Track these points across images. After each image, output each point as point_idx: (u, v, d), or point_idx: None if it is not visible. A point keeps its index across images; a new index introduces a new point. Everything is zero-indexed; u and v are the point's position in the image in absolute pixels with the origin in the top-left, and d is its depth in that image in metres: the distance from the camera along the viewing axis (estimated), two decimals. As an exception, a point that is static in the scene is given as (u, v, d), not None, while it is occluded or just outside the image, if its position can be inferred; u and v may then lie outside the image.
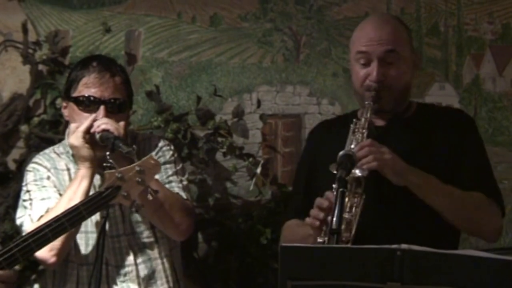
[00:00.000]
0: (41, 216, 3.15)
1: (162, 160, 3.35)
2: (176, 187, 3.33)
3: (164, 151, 3.38)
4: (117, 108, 3.24)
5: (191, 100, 4.24)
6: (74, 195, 3.13)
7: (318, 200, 2.94)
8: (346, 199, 2.83)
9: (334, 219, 2.67)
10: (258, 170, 4.14)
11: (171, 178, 3.35)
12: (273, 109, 4.34)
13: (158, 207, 3.20)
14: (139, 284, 3.32)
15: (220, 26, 4.36)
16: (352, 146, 2.97)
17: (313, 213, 2.92)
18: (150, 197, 2.96)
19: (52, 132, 4.05)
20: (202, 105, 4.19)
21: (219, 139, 4.15)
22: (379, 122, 3.13)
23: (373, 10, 4.39)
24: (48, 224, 2.71)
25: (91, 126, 3.17)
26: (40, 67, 4.15)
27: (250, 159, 4.15)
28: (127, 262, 3.32)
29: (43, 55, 4.13)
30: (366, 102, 3.05)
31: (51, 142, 3.91)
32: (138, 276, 3.32)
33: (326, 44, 4.39)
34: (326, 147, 3.18)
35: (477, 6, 4.41)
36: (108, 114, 3.20)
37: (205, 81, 4.30)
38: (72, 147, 3.19)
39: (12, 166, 4.08)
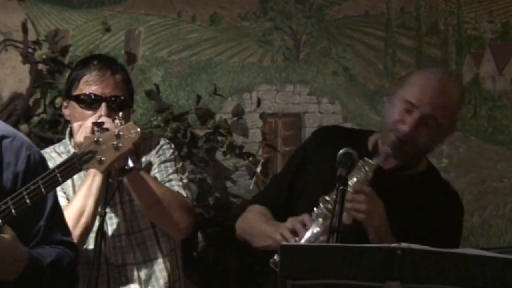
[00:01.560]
0: None
1: (162, 158, 3.36)
2: (176, 186, 3.33)
3: (164, 150, 3.38)
4: (118, 105, 3.24)
5: (191, 99, 4.24)
6: (89, 192, 3.15)
7: (294, 221, 2.95)
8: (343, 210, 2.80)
9: (334, 217, 2.68)
10: (258, 169, 4.14)
11: (171, 177, 3.35)
12: (273, 108, 4.34)
13: (155, 202, 3.20)
14: (140, 283, 3.32)
15: (220, 25, 4.35)
16: (352, 182, 2.97)
17: (286, 235, 2.95)
18: (131, 163, 2.92)
19: (51, 132, 4.05)
20: (202, 104, 4.19)
21: (219, 138, 4.15)
22: (385, 163, 3.11)
23: (373, 9, 4.38)
24: (26, 188, 2.59)
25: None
26: (40, 66, 4.14)
27: (250, 158, 4.15)
28: (128, 262, 3.32)
29: (43, 55, 4.12)
30: (386, 147, 3.05)
31: (50, 142, 3.92)
32: (139, 275, 3.32)
33: (326, 43, 4.39)
34: (325, 152, 3.18)
35: (477, 5, 4.41)
36: (109, 111, 3.20)
37: (205, 80, 4.30)
38: (80, 144, 3.17)
39: (12, 165, 4.07)
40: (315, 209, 2.96)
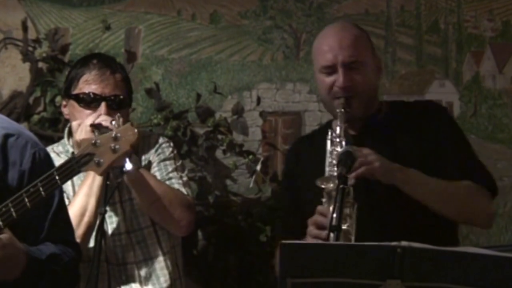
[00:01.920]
0: None
1: (162, 156, 3.36)
2: (176, 183, 3.34)
3: (163, 148, 3.38)
4: (117, 104, 3.24)
5: (191, 98, 4.24)
6: (91, 191, 3.15)
7: (314, 218, 2.92)
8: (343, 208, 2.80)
9: (334, 216, 2.68)
10: (258, 168, 4.14)
11: (171, 175, 3.35)
12: (273, 107, 4.34)
13: (155, 199, 3.20)
14: (140, 282, 3.32)
15: (220, 23, 4.35)
16: (333, 157, 2.96)
17: (313, 233, 2.91)
18: (128, 165, 2.93)
19: (51, 130, 4.05)
20: (202, 103, 4.19)
21: (219, 137, 4.15)
22: (352, 132, 3.11)
23: (373, 8, 4.38)
24: (25, 190, 2.60)
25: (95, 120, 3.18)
26: (40, 64, 4.14)
27: (250, 157, 4.15)
28: (128, 260, 3.32)
29: (43, 53, 4.12)
30: (338, 110, 3.03)
31: (50, 140, 3.92)
32: (139, 274, 3.32)
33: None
34: (307, 163, 3.18)
35: (477, 4, 4.41)
36: (109, 111, 3.20)
37: (205, 78, 4.30)
38: (80, 143, 3.17)
39: (11, 163, 4.07)
40: (323, 198, 2.94)
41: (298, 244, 2.45)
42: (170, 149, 3.41)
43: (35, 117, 4.08)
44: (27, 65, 4.15)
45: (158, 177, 3.31)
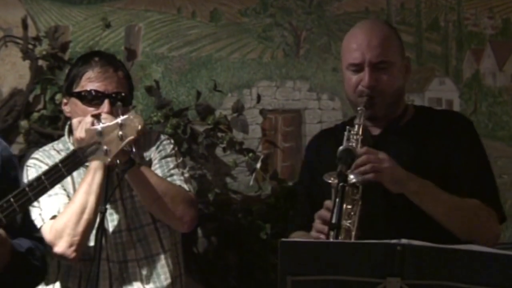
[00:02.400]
0: (54, 216, 3.17)
1: (163, 153, 3.36)
2: (178, 180, 3.34)
3: (164, 145, 3.38)
4: (120, 101, 3.24)
5: (191, 95, 4.24)
6: (90, 188, 3.14)
7: (320, 213, 2.92)
8: (344, 206, 2.79)
9: (334, 213, 2.67)
10: (258, 165, 4.14)
11: (172, 171, 3.35)
12: (273, 104, 4.34)
13: (157, 197, 3.20)
14: (141, 280, 3.32)
15: (220, 21, 4.35)
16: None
17: (318, 228, 2.90)
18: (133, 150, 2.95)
19: (51, 128, 4.05)
20: (202, 100, 4.19)
21: (219, 134, 4.15)
22: (375, 131, 3.10)
23: (373, 5, 4.38)
24: (29, 184, 2.66)
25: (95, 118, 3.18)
26: (40, 62, 4.14)
27: (250, 154, 4.15)
28: (129, 258, 3.32)
29: (43, 51, 4.12)
30: (359, 108, 3.01)
31: (50, 138, 3.92)
32: (140, 272, 3.32)
33: (326, 39, 4.38)
34: (325, 157, 3.16)
35: (477, 1, 4.41)
36: (112, 107, 3.21)
37: (205, 76, 4.30)
38: (80, 140, 3.17)
39: (11, 161, 4.08)
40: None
41: (298, 242, 2.45)
42: (171, 146, 3.41)
43: (35, 115, 4.08)
44: (27, 63, 4.15)
45: (160, 174, 3.31)
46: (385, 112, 3.09)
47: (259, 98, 4.27)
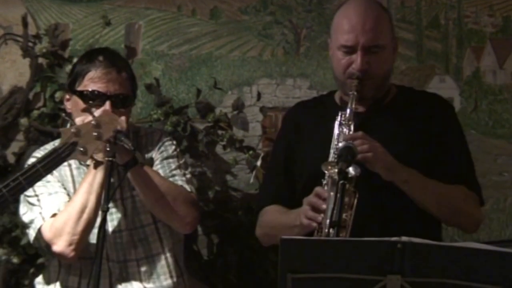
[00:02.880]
0: (54, 214, 3.17)
1: (165, 154, 3.35)
2: (180, 180, 3.33)
3: (166, 146, 3.38)
4: (121, 103, 3.24)
5: (191, 93, 4.24)
6: (91, 188, 3.14)
7: (310, 199, 2.92)
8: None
9: (335, 211, 2.67)
10: (258, 163, 4.13)
11: (174, 172, 3.35)
12: (273, 102, 4.33)
13: (160, 196, 3.20)
14: (141, 280, 3.32)
15: (220, 19, 4.35)
16: (340, 140, 2.96)
17: (309, 215, 2.90)
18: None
19: (51, 126, 4.05)
20: (202, 98, 4.19)
21: (219, 132, 4.14)
22: (359, 109, 3.09)
23: (373, 3, 4.37)
24: (5, 185, 2.67)
25: None
26: (40, 60, 4.14)
27: (250, 152, 4.15)
28: (129, 258, 3.31)
29: (43, 48, 4.12)
30: (350, 92, 3.03)
31: (50, 136, 3.92)
32: (139, 271, 3.32)
33: (326, 37, 4.34)
34: (305, 129, 3.18)
35: (477, -1, 4.41)
36: (113, 108, 3.20)
37: (205, 74, 4.29)
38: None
39: (11, 159, 4.08)
40: (324, 180, 2.93)
41: (298, 240, 2.45)
42: (173, 147, 3.40)
43: (35, 113, 4.08)
44: (27, 60, 4.15)
45: (162, 175, 3.31)
46: (373, 93, 3.11)
47: (259, 95, 4.27)
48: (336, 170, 2.76)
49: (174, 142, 3.44)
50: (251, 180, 4.17)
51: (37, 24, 4.22)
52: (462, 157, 3.15)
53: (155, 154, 3.38)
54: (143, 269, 3.32)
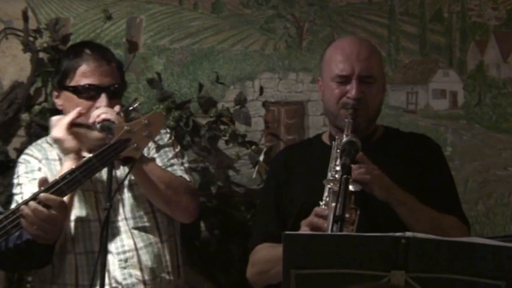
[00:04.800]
0: None
1: (160, 143, 3.35)
2: (179, 170, 3.34)
3: (161, 134, 3.37)
4: (115, 93, 3.26)
5: (193, 88, 4.23)
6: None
7: (314, 221, 2.90)
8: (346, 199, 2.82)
9: (338, 206, 2.67)
10: (261, 158, 4.12)
11: (172, 161, 3.35)
12: (275, 97, 4.33)
13: (162, 188, 3.19)
14: (141, 269, 3.30)
15: (222, 12, 4.34)
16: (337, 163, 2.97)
17: (315, 222, 2.90)
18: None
19: (53, 121, 4.04)
20: (204, 93, 4.17)
21: (221, 127, 4.13)
22: None
23: (376, -4, 4.37)
24: (62, 177, 2.82)
25: (77, 117, 3.18)
26: (41, 55, 4.14)
27: (253, 147, 4.13)
28: (127, 248, 3.30)
29: (43, 43, 4.12)
30: (346, 120, 3.06)
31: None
32: (140, 261, 3.30)
33: (329, 31, 4.36)
34: (293, 169, 3.22)
35: (481, -8, 4.39)
36: (109, 100, 3.21)
37: (207, 68, 4.29)
38: (56, 139, 3.20)
39: (13, 154, 4.07)
40: (323, 197, 2.93)
41: (301, 235, 2.45)
42: (168, 135, 3.42)
43: (36, 108, 4.07)
44: (28, 55, 4.14)
45: (159, 164, 3.30)
46: (366, 125, 3.16)
47: (261, 90, 4.26)
48: (337, 184, 2.80)
49: (169, 131, 3.46)
50: (254, 175, 4.16)
51: (38, 19, 4.21)
52: (452, 195, 3.20)
53: (150, 143, 3.36)
54: (142, 258, 3.30)
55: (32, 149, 3.38)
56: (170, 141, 3.40)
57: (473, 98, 4.33)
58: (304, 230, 2.91)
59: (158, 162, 3.31)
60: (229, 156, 4.18)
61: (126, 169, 3.12)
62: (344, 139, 2.96)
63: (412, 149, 3.19)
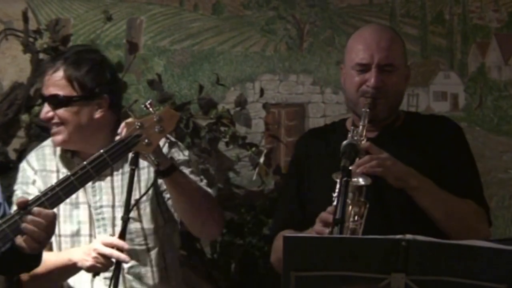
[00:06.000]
0: None
1: (176, 156, 3.26)
2: (203, 186, 3.25)
3: (178, 151, 3.26)
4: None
5: (193, 89, 4.23)
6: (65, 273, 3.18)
7: (322, 215, 2.90)
8: (350, 208, 2.82)
9: (338, 208, 2.66)
10: (261, 160, 4.11)
11: (192, 178, 3.24)
12: (276, 98, 4.33)
13: (197, 203, 3.10)
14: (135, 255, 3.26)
15: (223, 14, 4.34)
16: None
17: (317, 229, 2.89)
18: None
19: (52, 122, 4.03)
20: (204, 94, 4.17)
21: (222, 129, 4.12)
22: (370, 134, 3.09)
23: (377, -2, 4.37)
24: (74, 173, 2.78)
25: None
26: (41, 55, 4.13)
27: (253, 149, 4.12)
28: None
29: (43, 44, 4.11)
30: (363, 110, 3.03)
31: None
32: (124, 280, 3.26)
33: (329, 33, 4.37)
34: (316, 156, 3.19)
35: (482, -6, 4.39)
36: None
37: (208, 70, 4.29)
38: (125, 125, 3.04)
39: (12, 155, 4.07)
40: (336, 189, 2.91)
41: (301, 237, 2.44)
42: (186, 152, 3.31)
43: (36, 109, 4.06)
44: (28, 56, 4.14)
45: None
46: (386, 114, 3.12)
47: (262, 92, 4.25)
48: (349, 161, 2.79)
49: (182, 146, 3.34)
50: (254, 177, 4.15)
51: (38, 19, 4.22)
52: (472, 178, 3.15)
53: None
54: (126, 277, 3.27)
55: (32, 156, 3.32)
56: (187, 157, 3.31)
57: (474, 101, 4.33)
58: (317, 225, 2.89)
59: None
60: (229, 158, 4.17)
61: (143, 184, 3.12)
62: (344, 141, 2.94)
63: (432, 132, 3.15)
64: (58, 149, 3.30)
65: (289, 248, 2.38)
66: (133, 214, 3.18)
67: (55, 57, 3.28)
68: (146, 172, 3.21)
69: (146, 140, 2.85)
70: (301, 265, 2.38)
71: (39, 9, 4.23)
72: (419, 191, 2.96)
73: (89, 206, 3.24)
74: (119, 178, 3.27)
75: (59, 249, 3.27)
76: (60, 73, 3.19)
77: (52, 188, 2.75)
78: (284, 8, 4.35)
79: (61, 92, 3.18)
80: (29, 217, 2.72)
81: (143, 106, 2.98)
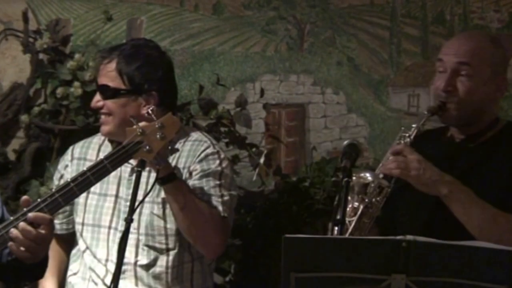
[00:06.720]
0: None
1: (205, 168, 3.23)
2: (215, 201, 3.21)
3: (209, 160, 3.25)
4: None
5: (194, 90, 4.23)
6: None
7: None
8: (348, 201, 2.78)
9: (339, 209, 2.65)
10: (261, 160, 4.11)
11: (212, 191, 3.22)
12: (276, 99, 4.33)
13: (190, 216, 3.11)
14: (136, 284, 3.27)
15: (223, 14, 4.34)
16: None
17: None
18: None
19: (52, 122, 4.05)
20: (204, 95, 4.16)
21: (222, 129, 4.12)
22: (458, 137, 3.05)
23: (378, -1, 4.37)
24: (73, 179, 2.78)
25: None
26: (41, 56, 4.14)
27: (253, 149, 4.12)
28: (126, 260, 3.20)
29: (43, 44, 4.11)
30: (425, 112, 2.98)
31: (51, 132, 3.92)
32: (136, 276, 3.26)
33: (330, 33, 4.36)
34: (427, 156, 3.00)
35: (483, -6, 4.39)
36: None
37: (208, 70, 4.29)
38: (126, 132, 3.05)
39: (11, 156, 4.07)
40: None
41: (301, 238, 2.43)
42: (217, 161, 3.27)
43: (36, 109, 4.06)
44: (27, 56, 4.14)
45: (197, 191, 3.20)
46: (459, 121, 3.03)
47: (262, 92, 4.25)
48: (369, 178, 2.78)
49: (222, 157, 3.30)
50: (254, 178, 4.15)
51: (38, 20, 4.22)
52: None
53: (193, 165, 3.25)
54: (138, 274, 3.27)
55: (79, 143, 3.42)
56: (219, 168, 3.26)
57: (474, 101, 4.32)
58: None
59: (197, 188, 3.21)
60: (229, 158, 4.17)
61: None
62: (346, 142, 2.93)
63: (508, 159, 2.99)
64: (106, 140, 3.34)
65: (288, 248, 2.38)
66: (157, 211, 3.22)
67: (113, 47, 3.33)
68: None
69: (147, 147, 2.85)
70: (301, 266, 2.37)
71: (39, 9, 4.23)
72: (451, 200, 2.85)
73: (117, 199, 3.26)
74: (123, 170, 3.29)
75: (81, 236, 3.31)
76: (112, 65, 3.25)
77: (51, 195, 2.74)
78: (285, 9, 4.35)
79: (111, 83, 3.24)
80: (21, 224, 2.69)
81: (145, 112, 2.99)
